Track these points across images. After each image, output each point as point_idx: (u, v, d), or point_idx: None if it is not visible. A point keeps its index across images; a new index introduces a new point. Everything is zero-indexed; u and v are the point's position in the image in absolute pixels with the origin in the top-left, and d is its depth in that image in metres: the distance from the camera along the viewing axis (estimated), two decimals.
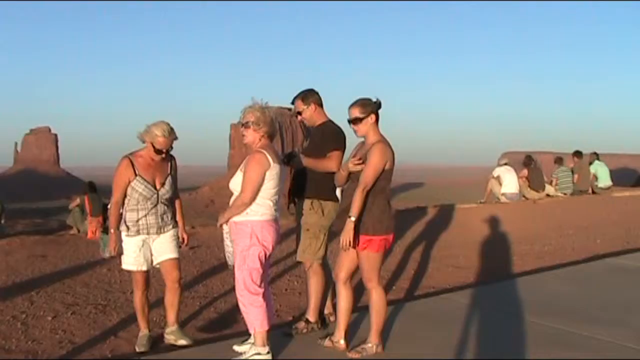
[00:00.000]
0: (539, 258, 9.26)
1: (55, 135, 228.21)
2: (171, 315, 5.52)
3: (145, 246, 5.41)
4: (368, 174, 4.80)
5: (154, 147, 5.25)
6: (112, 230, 5.39)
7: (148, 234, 5.39)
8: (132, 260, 5.38)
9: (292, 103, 5.77)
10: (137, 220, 5.34)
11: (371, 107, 4.90)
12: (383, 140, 4.89)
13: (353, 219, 4.75)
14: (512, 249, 9.94)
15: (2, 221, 11.37)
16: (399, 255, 9.36)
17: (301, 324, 5.63)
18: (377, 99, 4.94)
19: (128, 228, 5.34)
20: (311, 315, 5.63)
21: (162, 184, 5.39)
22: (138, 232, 5.35)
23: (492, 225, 11.85)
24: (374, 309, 4.97)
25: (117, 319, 6.25)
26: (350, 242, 4.74)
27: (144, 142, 5.32)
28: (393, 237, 5.02)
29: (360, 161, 4.89)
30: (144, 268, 5.41)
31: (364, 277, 4.97)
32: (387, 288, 7.50)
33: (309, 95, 5.69)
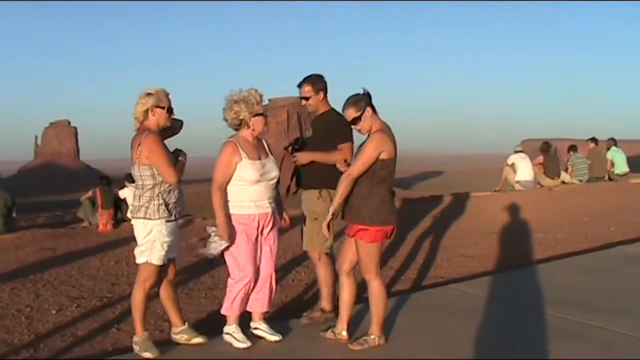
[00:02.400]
0: (552, 247, 9.11)
1: (75, 128, 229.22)
2: (178, 314, 5.13)
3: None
4: (357, 164, 4.73)
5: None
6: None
7: (177, 218, 4.92)
8: (163, 254, 4.77)
9: (299, 86, 5.61)
10: (176, 202, 4.84)
11: (364, 101, 4.80)
12: (383, 130, 4.78)
13: (331, 213, 4.81)
14: (524, 238, 9.79)
15: (14, 215, 11.37)
16: (410, 244, 9.27)
17: (317, 314, 5.60)
18: (365, 90, 4.84)
19: (170, 212, 4.78)
20: (326, 304, 5.60)
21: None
22: (176, 217, 4.86)
23: (505, 214, 11.70)
24: (373, 301, 4.89)
25: (120, 312, 6.22)
26: (326, 231, 4.85)
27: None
28: (394, 230, 4.91)
29: (346, 165, 4.91)
30: (166, 261, 4.88)
31: (362, 268, 4.89)
32: (395, 278, 7.45)
33: (319, 82, 5.58)
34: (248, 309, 5.16)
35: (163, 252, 4.76)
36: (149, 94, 4.79)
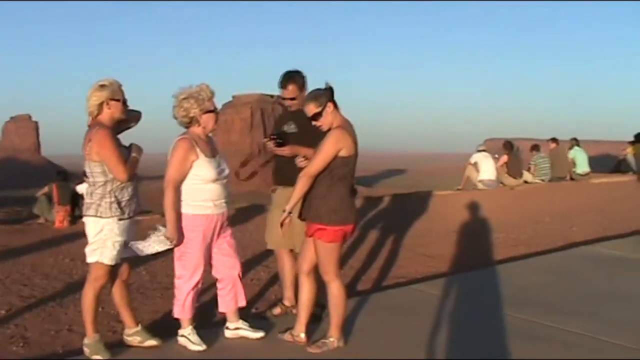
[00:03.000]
0: (514, 247, 9.11)
1: (36, 122, 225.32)
2: (131, 315, 4.95)
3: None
4: (315, 161, 4.61)
5: None
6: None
7: (131, 216, 4.73)
8: (115, 253, 4.59)
9: (282, 87, 5.49)
10: (129, 199, 4.66)
11: (325, 96, 4.68)
12: (342, 126, 4.66)
13: (287, 211, 4.69)
14: (487, 238, 9.79)
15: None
16: (371, 243, 9.19)
17: (277, 309, 5.67)
18: (327, 84, 4.71)
19: (122, 210, 4.59)
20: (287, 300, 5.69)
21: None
22: (129, 214, 4.67)
23: (467, 213, 11.71)
24: (332, 302, 4.78)
25: (73, 312, 6.01)
26: (284, 232, 4.75)
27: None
28: (353, 228, 4.79)
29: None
30: (119, 260, 4.70)
31: (320, 268, 4.78)
32: (355, 278, 7.36)
33: (301, 79, 5.49)
34: (222, 310, 5.09)
35: (115, 252, 4.58)
36: (102, 86, 4.59)
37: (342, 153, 4.60)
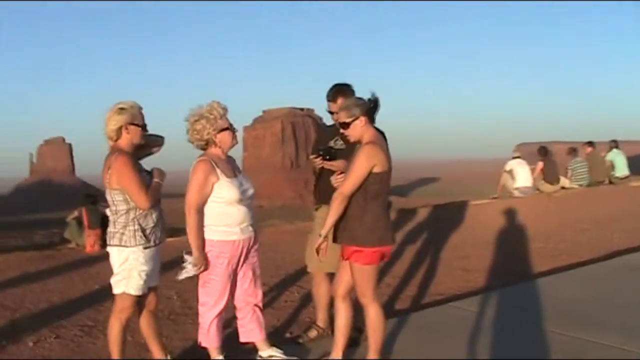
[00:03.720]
0: (554, 257, 8.78)
1: (70, 144, 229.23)
2: (160, 346, 4.80)
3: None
4: (348, 181, 4.37)
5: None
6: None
7: (157, 243, 4.52)
8: (142, 283, 4.40)
9: (333, 100, 5.23)
10: (154, 226, 4.47)
11: (359, 108, 4.44)
12: (374, 141, 4.42)
13: (323, 236, 4.44)
14: (525, 248, 9.47)
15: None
16: (407, 258, 8.91)
17: (313, 332, 5.48)
18: (371, 97, 4.48)
19: (147, 238, 4.39)
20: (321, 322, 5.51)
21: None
22: (155, 242, 4.48)
23: (505, 222, 11.38)
24: (370, 326, 4.54)
25: (103, 342, 5.82)
26: (320, 258, 4.52)
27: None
28: (390, 249, 4.56)
29: (342, 177, 4.55)
30: (146, 290, 4.52)
31: (357, 292, 4.54)
32: (393, 296, 7.08)
33: (351, 93, 5.18)
34: (243, 340, 4.87)
35: (141, 282, 4.39)
36: (122, 109, 4.40)
37: (376, 169, 4.36)
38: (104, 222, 11.58)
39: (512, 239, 10.12)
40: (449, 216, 12.61)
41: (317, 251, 4.48)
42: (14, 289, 8.06)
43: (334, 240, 4.56)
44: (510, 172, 15.05)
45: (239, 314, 4.85)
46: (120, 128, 4.38)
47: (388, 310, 6.50)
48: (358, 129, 4.45)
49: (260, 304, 4.86)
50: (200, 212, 4.51)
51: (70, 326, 6.37)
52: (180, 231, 9.66)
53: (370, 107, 4.47)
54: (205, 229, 4.55)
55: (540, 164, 15.52)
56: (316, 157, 5.07)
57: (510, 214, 11.98)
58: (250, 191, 4.69)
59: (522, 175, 14.85)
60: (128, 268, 4.36)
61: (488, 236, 10.32)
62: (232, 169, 4.64)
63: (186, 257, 4.54)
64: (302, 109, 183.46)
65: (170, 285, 6.68)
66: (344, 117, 4.47)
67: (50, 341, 5.94)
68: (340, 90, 5.21)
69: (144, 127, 4.49)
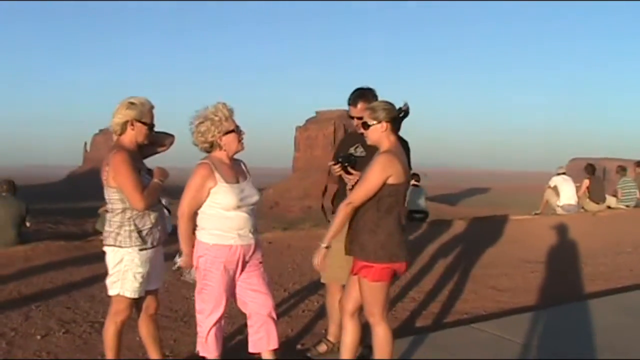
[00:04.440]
0: (592, 280, 8.34)
1: None
2: (158, 352, 4.67)
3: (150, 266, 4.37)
4: (359, 190, 4.14)
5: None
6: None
7: (155, 245, 4.37)
8: (137, 285, 4.26)
9: (353, 104, 5.02)
10: (152, 227, 4.32)
11: (385, 112, 4.19)
12: (391, 150, 4.17)
13: (324, 245, 4.23)
14: (562, 269, 9.04)
15: (28, 224, 10.89)
16: (437, 273, 8.59)
17: (323, 346, 5.28)
18: (403, 106, 4.23)
19: (144, 239, 4.25)
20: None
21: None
22: (152, 244, 4.32)
23: (544, 241, 10.95)
24: (377, 347, 4.27)
25: None
26: (318, 265, 4.30)
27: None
28: (403, 267, 4.27)
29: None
30: (143, 293, 4.38)
31: (365, 309, 4.28)
32: (415, 312, 6.79)
33: (373, 98, 4.91)
34: (254, 350, 4.63)
35: (137, 284, 4.24)
36: (131, 104, 4.24)
37: (391, 180, 4.10)
38: None
39: (549, 259, 9.68)
40: (486, 230, 12.23)
41: (317, 261, 4.29)
42: (34, 278, 8.04)
43: (346, 251, 4.33)
44: (554, 188, 14.60)
45: (249, 322, 4.63)
46: (126, 123, 4.24)
47: (408, 327, 6.26)
48: (377, 133, 4.21)
49: (274, 315, 4.62)
50: (192, 219, 4.34)
51: (82, 322, 6.26)
52: None
53: (397, 115, 4.23)
54: (201, 233, 4.37)
55: (586, 182, 15.01)
56: (335, 164, 4.84)
57: (550, 232, 11.55)
58: (253, 198, 4.46)
59: (566, 192, 14.37)
60: (123, 269, 4.22)
61: (524, 254, 9.94)
62: (234, 174, 4.42)
63: (177, 260, 4.45)
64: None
65: (189, 287, 6.53)
66: (367, 117, 4.26)
67: (59, 336, 5.84)
68: (362, 95, 4.98)
69: (151, 126, 4.33)
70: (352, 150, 5.07)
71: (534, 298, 7.45)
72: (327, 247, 4.24)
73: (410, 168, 4.92)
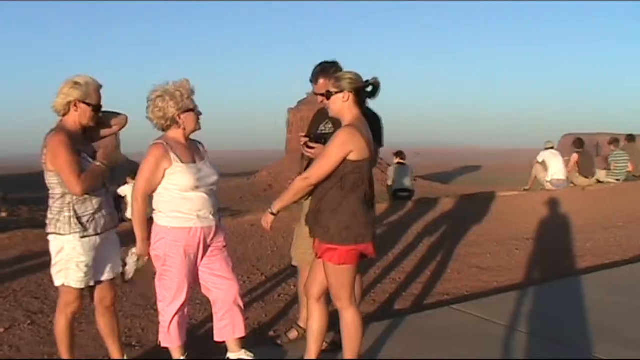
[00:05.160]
0: (580, 257, 8.15)
1: None
2: (117, 346, 4.42)
3: (95, 254, 4.08)
4: (317, 165, 3.90)
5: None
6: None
7: (102, 232, 4.09)
8: (82, 275, 3.99)
9: (314, 81, 4.76)
10: (94, 213, 4.02)
11: (348, 82, 3.94)
12: (354, 124, 3.91)
13: (273, 210, 4.06)
14: (550, 246, 8.86)
15: (3, 214, 10.56)
16: (420, 252, 8.39)
17: (294, 333, 5.05)
18: (371, 80, 3.98)
19: (84, 226, 3.95)
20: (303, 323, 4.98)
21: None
22: (95, 231, 4.03)
23: (532, 217, 10.76)
24: (346, 333, 4.04)
25: (76, 332, 5.47)
26: (267, 226, 4.10)
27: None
28: (370, 248, 4.02)
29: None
30: (92, 282, 4.14)
31: (332, 294, 4.06)
32: (395, 294, 6.59)
33: (336, 72, 4.54)
34: (219, 338, 4.40)
35: (81, 273, 3.97)
36: (76, 84, 3.97)
37: (353, 157, 3.84)
38: (116, 203, 11.29)
39: (536, 236, 9.49)
40: (473, 208, 12.01)
41: (267, 227, 4.10)
42: (7, 268, 7.79)
43: (310, 233, 4.11)
44: (542, 163, 14.39)
45: (214, 309, 4.41)
46: (69, 103, 3.98)
47: (385, 310, 6.07)
48: (339, 103, 3.97)
49: (240, 302, 4.39)
50: (146, 201, 4.10)
51: (49, 312, 6.00)
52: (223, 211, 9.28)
53: (362, 87, 3.98)
54: (158, 216, 4.14)
55: (575, 156, 14.80)
56: (303, 138, 4.57)
57: (538, 208, 11.38)
58: (212, 178, 4.23)
59: (555, 166, 14.16)
60: (65, 258, 3.97)
61: (511, 232, 9.76)
62: (191, 154, 4.19)
63: (133, 249, 4.17)
64: None
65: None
66: (330, 86, 4.02)
67: (23, 327, 5.63)
68: (323, 70, 4.69)
69: (97, 107, 4.06)
70: (322, 127, 4.83)
71: (519, 277, 7.26)
72: (273, 214, 4.06)
73: (381, 144, 4.70)
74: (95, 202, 4.02)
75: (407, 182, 13.40)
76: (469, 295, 6.48)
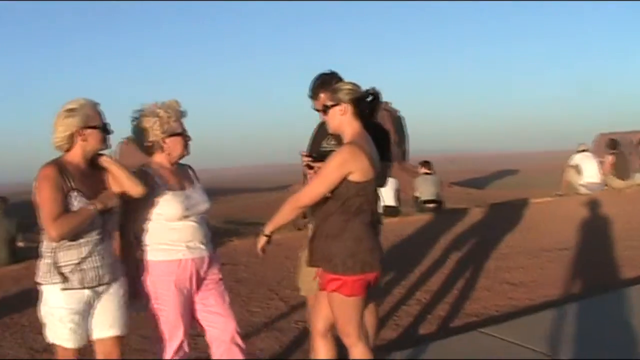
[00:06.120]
0: (618, 268, 7.62)
1: None
2: None
3: (87, 308, 3.55)
4: (308, 187, 3.56)
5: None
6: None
7: (93, 286, 3.52)
8: (68, 332, 3.44)
9: (314, 97, 4.34)
10: (80, 263, 3.44)
11: (345, 93, 3.57)
12: (355, 142, 3.53)
13: (265, 232, 3.75)
14: (583, 257, 8.26)
15: (19, 243, 10.31)
16: (446, 270, 7.91)
17: None
18: (370, 90, 3.60)
19: (65, 277, 3.41)
20: None
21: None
22: (82, 284, 3.46)
23: (564, 225, 10.22)
24: None
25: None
26: (259, 248, 3.81)
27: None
28: (377, 277, 3.62)
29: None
30: (82, 344, 3.56)
31: (338, 329, 3.67)
32: (419, 317, 6.14)
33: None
34: None
35: (66, 330, 3.42)
36: (70, 111, 3.45)
37: (355, 178, 3.45)
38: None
39: (571, 246, 8.91)
40: (504, 217, 11.50)
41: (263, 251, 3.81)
42: (20, 302, 7.43)
43: (308, 262, 3.72)
44: (575, 167, 13.85)
45: (211, 351, 4.03)
46: (72, 135, 3.46)
47: (408, 335, 5.65)
48: (336, 118, 3.61)
49: (238, 340, 3.99)
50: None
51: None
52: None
53: (361, 97, 3.59)
54: (147, 250, 3.76)
55: (610, 158, 14.23)
56: (305, 157, 4.19)
57: (572, 214, 10.84)
58: (203, 206, 3.87)
59: (589, 170, 13.63)
60: (49, 312, 3.45)
61: (544, 242, 9.24)
62: (179, 180, 3.83)
63: None
64: (386, 103, 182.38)
65: None
66: (327, 98, 3.69)
67: None
68: (323, 84, 4.23)
69: (104, 127, 3.56)
70: (324, 144, 4.43)
71: (553, 292, 6.73)
72: (266, 236, 3.76)
73: (389, 160, 4.31)
74: (83, 250, 3.45)
75: (434, 192, 12.91)
76: (499, 315, 6.02)
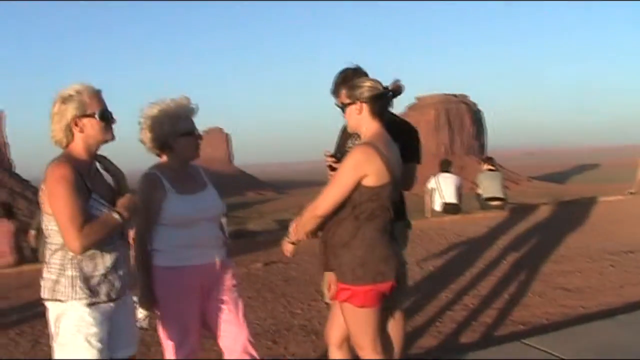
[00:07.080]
0: None
1: (227, 134, 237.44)
2: None
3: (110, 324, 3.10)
4: (324, 193, 3.28)
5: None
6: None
7: (116, 298, 3.12)
8: (95, 350, 2.96)
9: (336, 94, 4.04)
10: (106, 274, 3.04)
11: (363, 91, 3.32)
12: (372, 143, 3.27)
13: (289, 240, 3.63)
14: None
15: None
16: (499, 273, 7.54)
17: None
18: (391, 85, 3.35)
19: (92, 290, 2.98)
20: None
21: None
22: (108, 296, 3.06)
23: (635, 226, 9.65)
24: None
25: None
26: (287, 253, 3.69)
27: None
28: (392, 286, 3.36)
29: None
30: None
31: (352, 341, 3.45)
32: (464, 323, 5.83)
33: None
34: None
35: (94, 350, 2.95)
36: (65, 98, 2.99)
37: (369, 182, 3.19)
38: None
39: (636, 250, 8.40)
40: (570, 215, 11.00)
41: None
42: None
43: (324, 268, 3.51)
44: None
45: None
46: (68, 125, 2.99)
47: (448, 344, 5.35)
48: (354, 117, 3.37)
49: (251, 350, 3.80)
50: (145, 238, 3.57)
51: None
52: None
53: (380, 95, 3.34)
54: (155, 254, 3.59)
55: None
56: (328, 158, 3.96)
57: None
58: (213, 210, 3.69)
59: None
60: (71, 331, 2.94)
61: (609, 243, 8.75)
62: (189, 183, 3.66)
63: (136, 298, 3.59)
64: (456, 95, 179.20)
65: None
66: (343, 96, 3.45)
67: None
68: (345, 79, 3.92)
69: (103, 115, 3.05)
70: (349, 143, 4.20)
71: (609, 300, 6.29)
72: (292, 243, 3.62)
73: (418, 161, 4.05)
74: (108, 257, 3.05)
75: (498, 189, 12.46)
76: (548, 324, 5.65)
